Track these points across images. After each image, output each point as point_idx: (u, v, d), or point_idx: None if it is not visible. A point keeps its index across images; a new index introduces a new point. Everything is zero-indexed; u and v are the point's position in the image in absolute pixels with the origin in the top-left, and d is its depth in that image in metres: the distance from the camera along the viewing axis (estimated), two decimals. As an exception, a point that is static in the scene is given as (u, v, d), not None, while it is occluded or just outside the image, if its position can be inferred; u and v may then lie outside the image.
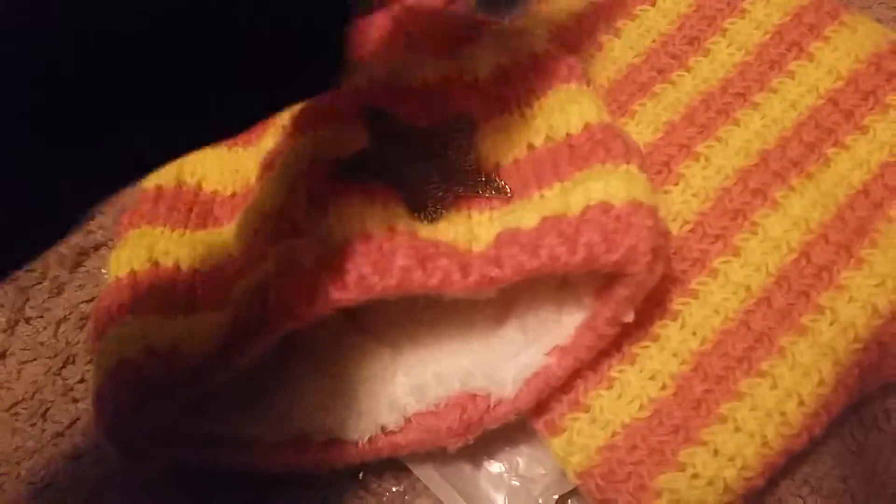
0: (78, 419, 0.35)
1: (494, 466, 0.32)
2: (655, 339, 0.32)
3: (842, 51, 0.37)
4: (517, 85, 0.33)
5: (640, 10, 0.40)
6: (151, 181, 0.35)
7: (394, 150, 0.31)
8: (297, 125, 0.33)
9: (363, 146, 0.31)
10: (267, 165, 0.33)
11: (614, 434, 0.30)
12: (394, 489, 0.33)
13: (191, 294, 0.32)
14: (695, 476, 0.29)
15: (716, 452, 0.29)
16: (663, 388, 0.31)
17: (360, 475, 0.33)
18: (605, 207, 0.28)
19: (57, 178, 0.18)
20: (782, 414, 0.29)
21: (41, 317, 0.37)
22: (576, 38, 0.39)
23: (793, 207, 0.33)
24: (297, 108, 0.32)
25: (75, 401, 0.35)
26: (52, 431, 0.34)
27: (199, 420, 0.30)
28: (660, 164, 0.35)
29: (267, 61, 0.21)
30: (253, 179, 0.35)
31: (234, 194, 0.35)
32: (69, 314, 0.37)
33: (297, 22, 0.21)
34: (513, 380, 0.31)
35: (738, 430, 0.29)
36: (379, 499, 0.33)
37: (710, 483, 0.29)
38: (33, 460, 0.34)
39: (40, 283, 0.38)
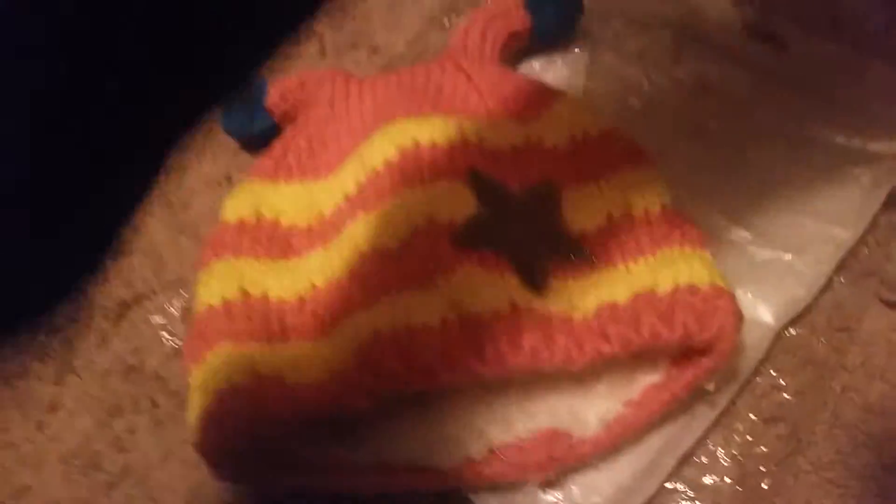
0: (128, 469, 0.36)
1: (550, 497, 0.34)
2: None
3: None
4: (592, 157, 0.35)
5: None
6: (233, 214, 0.37)
7: (499, 215, 0.33)
8: (405, 175, 0.34)
9: (472, 210, 0.32)
10: (365, 205, 0.34)
11: None
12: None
13: (282, 323, 0.33)
14: None
15: None
16: None
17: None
18: (693, 290, 0.31)
19: None
20: None
21: (87, 368, 0.39)
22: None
23: None
24: (383, 145, 0.34)
25: (124, 451, 0.37)
26: (103, 481, 0.36)
27: (289, 442, 0.32)
28: None
29: None
30: (327, 212, 0.36)
31: (309, 227, 0.37)
32: (114, 365, 0.39)
33: None
34: (595, 421, 0.33)
35: None
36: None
37: None
38: (87, 510, 0.35)
39: (86, 335, 0.39)
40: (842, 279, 0.39)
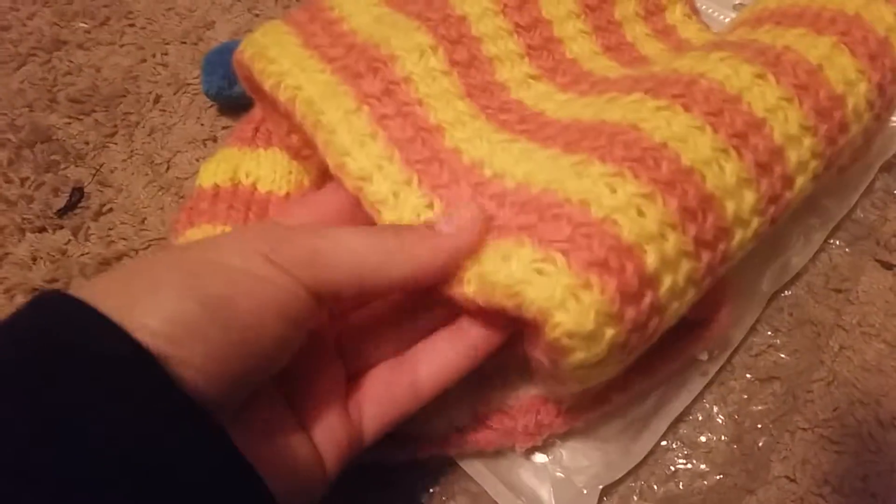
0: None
1: (538, 458, 0.33)
2: None
3: None
4: None
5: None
6: (209, 180, 0.36)
7: None
8: None
9: None
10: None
11: None
12: (430, 490, 0.33)
13: None
14: None
15: None
16: None
17: (397, 476, 0.33)
18: None
19: None
20: None
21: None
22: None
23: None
24: None
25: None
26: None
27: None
28: None
29: None
30: (307, 182, 0.35)
31: (287, 194, 0.36)
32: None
33: None
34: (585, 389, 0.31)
35: None
36: (416, 500, 0.33)
37: None
38: None
39: (65, 291, 0.38)
40: (838, 241, 0.39)
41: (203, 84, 0.45)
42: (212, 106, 0.46)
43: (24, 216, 0.42)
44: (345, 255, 0.23)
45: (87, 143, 0.45)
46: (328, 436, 0.24)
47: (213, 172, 0.38)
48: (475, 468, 0.33)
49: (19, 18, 0.51)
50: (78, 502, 0.16)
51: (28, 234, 0.41)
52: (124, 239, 0.41)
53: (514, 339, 0.30)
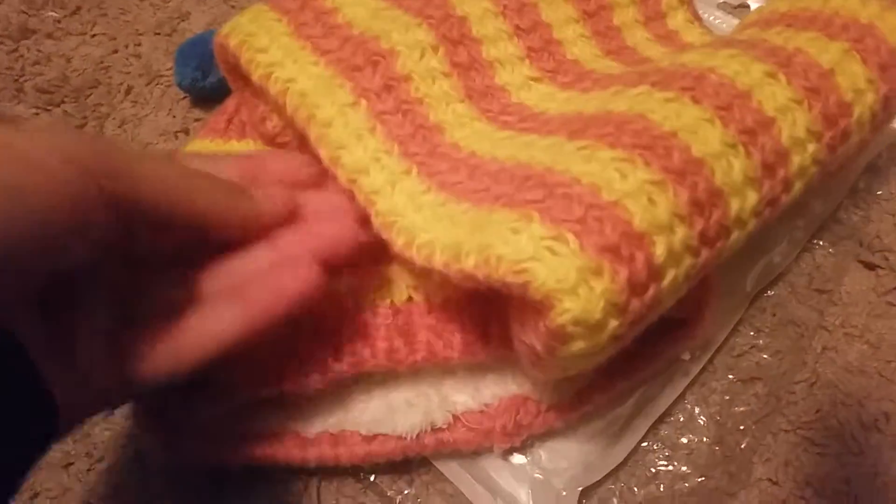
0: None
1: (517, 459, 0.32)
2: None
3: None
4: None
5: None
6: None
7: None
8: None
9: None
10: None
11: None
12: (406, 492, 0.32)
13: None
14: None
15: None
16: None
17: (372, 477, 0.32)
18: None
19: None
20: None
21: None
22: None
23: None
24: None
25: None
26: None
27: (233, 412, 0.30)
28: None
29: None
30: None
31: None
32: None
33: None
34: (563, 388, 0.31)
35: None
36: (391, 501, 0.32)
37: None
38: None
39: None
40: (821, 242, 0.38)
41: (176, 75, 0.43)
42: (184, 98, 0.45)
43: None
44: (151, 175, 0.22)
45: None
46: (87, 362, 0.23)
47: None
48: (451, 469, 0.32)
49: (-14, 6, 0.50)
50: None
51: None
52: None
53: (491, 335, 0.29)
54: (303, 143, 0.33)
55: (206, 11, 0.50)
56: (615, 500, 0.32)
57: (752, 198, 0.26)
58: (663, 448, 0.33)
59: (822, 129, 0.28)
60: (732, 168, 0.25)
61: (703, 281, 0.28)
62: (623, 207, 0.23)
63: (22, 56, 0.47)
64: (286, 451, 0.31)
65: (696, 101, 0.26)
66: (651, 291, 0.23)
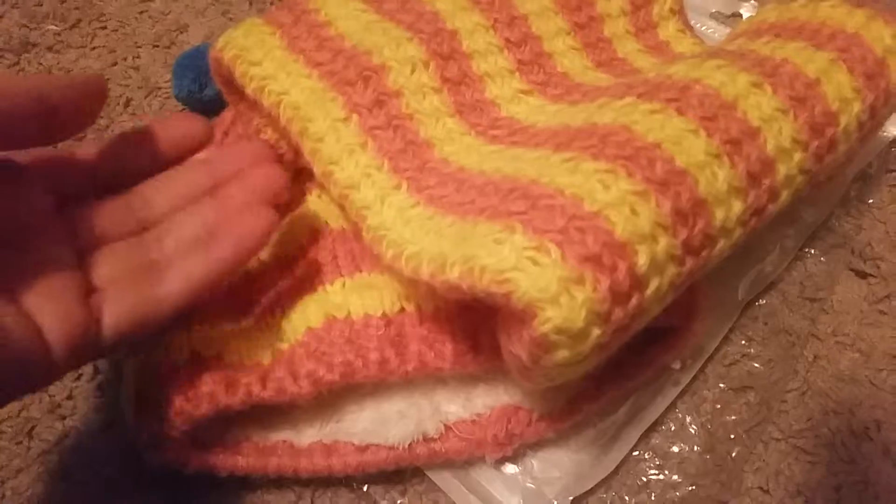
0: (65, 437, 0.34)
1: (509, 468, 0.32)
2: None
3: None
4: None
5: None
6: None
7: None
8: None
9: None
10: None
11: None
12: (398, 501, 0.32)
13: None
14: None
15: None
16: None
17: (365, 487, 0.32)
18: None
19: None
20: None
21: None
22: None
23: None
24: None
25: (62, 418, 0.34)
26: (38, 450, 0.33)
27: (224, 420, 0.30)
28: None
29: None
30: None
31: None
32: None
33: None
34: (555, 397, 0.31)
35: None
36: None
37: None
38: (18, 479, 0.33)
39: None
40: (813, 250, 0.39)
41: (174, 88, 0.44)
42: (182, 110, 0.46)
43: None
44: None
45: (55, 147, 0.44)
46: (52, 315, 0.23)
47: None
48: (444, 479, 0.32)
49: (-12, 20, 0.50)
50: None
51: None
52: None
53: (482, 346, 0.29)
54: (298, 155, 0.33)
55: (203, 24, 0.50)
56: (606, 509, 0.32)
57: (737, 207, 0.26)
58: (654, 457, 0.33)
59: (808, 138, 0.28)
60: (717, 178, 0.25)
61: (692, 290, 0.28)
62: (605, 218, 0.23)
63: (23, 69, 0.48)
64: (278, 460, 0.31)
65: (680, 112, 0.27)
66: (634, 300, 0.23)
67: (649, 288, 0.24)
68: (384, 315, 0.31)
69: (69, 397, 0.35)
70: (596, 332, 0.23)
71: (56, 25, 0.50)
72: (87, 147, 0.29)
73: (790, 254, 0.38)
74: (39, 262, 0.24)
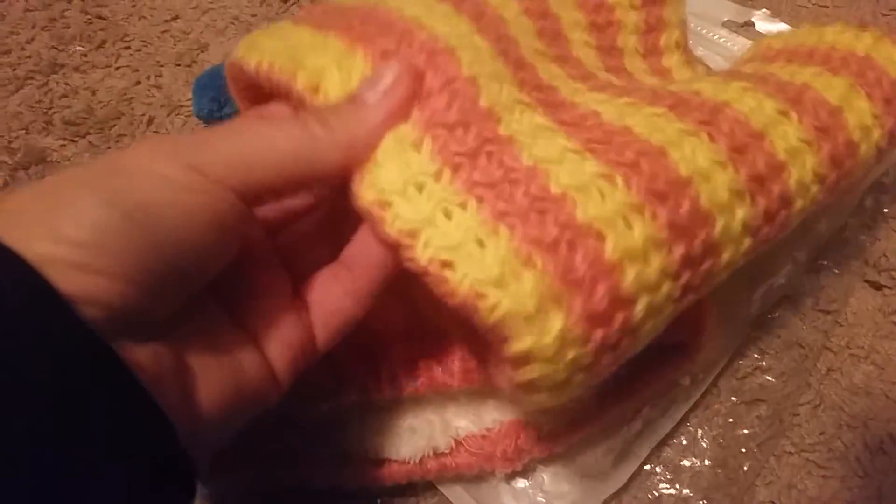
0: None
1: (519, 482, 0.33)
2: None
3: None
4: None
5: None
6: None
7: None
8: None
9: None
10: None
11: None
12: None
13: None
14: None
15: None
16: None
17: (379, 501, 0.33)
18: None
19: None
20: None
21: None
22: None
23: None
24: None
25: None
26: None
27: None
28: None
29: None
30: None
31: None
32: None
33: None
34: (563, 412, 0.32)
35: None
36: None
37: None
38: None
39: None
40: (827, 262, 0.38)
41: (193, 107, 0.45)
42: (203, 126, 0.47)
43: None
44: (269, 152, 0.22)
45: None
46: (279, 345, 0.24)
47: None
48: (456, 493, 0.33)
49: (18, 42, 0.52)
50: None
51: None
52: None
53: (488, 363, 0.30)
54: None
55: (223, 43, 0.51)
56: (617, 523, 0.32)
57: (746, 243, 0.26)
58: (665, 471, 0.33)
59: (827, 171, 0.28)
60: (734, 218, 0.25)
61: (700, 305, 0.28)
62: (597, 232, 0.23)
63: (51, 90, 0.50)
64: (291, 472, 0.32)
65: (712, 138, 0.26)
66: (619, 319, 0.23)
67: (638, 306, 0.23)
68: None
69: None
70: (571, 353, 0.22)
71: (83, 46, 0.52)
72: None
73: (803, 266, 0.37)
74: (261, 288, 0.25)
